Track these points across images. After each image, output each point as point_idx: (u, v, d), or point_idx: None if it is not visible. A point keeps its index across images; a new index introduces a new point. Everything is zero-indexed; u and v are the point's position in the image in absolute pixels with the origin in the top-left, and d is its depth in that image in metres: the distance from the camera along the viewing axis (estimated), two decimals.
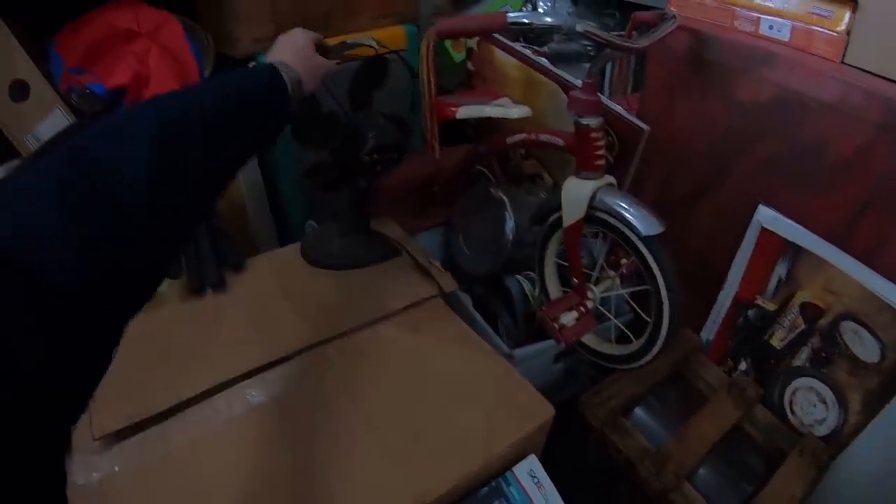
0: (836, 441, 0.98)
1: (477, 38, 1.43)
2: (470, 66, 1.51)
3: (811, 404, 1.02)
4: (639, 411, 1.05)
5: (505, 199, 1.14)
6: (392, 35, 1.35)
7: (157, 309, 0.93)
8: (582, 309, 0.98)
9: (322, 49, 0.85)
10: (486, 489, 0.81)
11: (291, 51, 0.78)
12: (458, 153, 1.28)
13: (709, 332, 1.15)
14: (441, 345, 0.93)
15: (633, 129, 1.07)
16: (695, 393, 1.08)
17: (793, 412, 1.04)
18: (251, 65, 0.77)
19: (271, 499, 0.71)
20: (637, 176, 1.12)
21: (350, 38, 0.97)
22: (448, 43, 1.52)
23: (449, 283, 1.01)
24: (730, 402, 1.03)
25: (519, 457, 0.82)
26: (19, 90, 1.09)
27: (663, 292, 0.90)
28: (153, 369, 0.82)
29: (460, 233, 1.26)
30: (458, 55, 1.53)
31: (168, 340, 0.87)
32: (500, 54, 1.36)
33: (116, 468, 0.75)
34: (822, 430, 1.00)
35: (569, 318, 0.96)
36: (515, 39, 1.39)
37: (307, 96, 0.78)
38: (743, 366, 1.11)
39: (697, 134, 1.10)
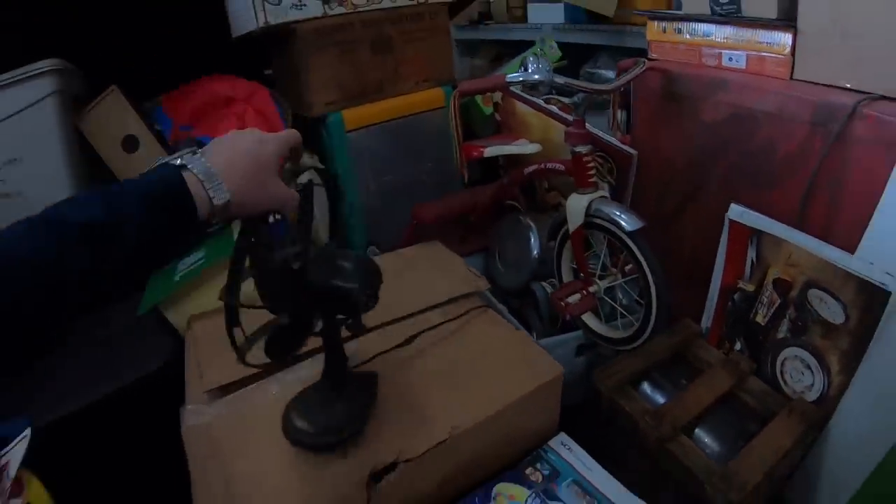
0: (826, 405, 1.10)
1: (501, 94, 1.70)
2: (497, 117, 1.78)
3: (799, 372, 1.14)
4: (644, 386, 1.21)
5: (532, 224, 1.40)
6: (433, 96, 1.62)
7: None
8: (584, 292, 1.21)
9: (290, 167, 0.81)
10: (528, 458, 1.02)
11: (227, 156, 0.67)
12: (489, 188, 1.54)
13: (706, 320, 1.32)
14: (476, 324, 1.15)
15: (624, 154, 1.32)
16: (694, 370, 1.24)
17: (785, 382, 1.17)
18: (161, 161, 0.68)
19: None
20: (635, 196, 1.35)
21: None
22: (479, 99, 1.78)
23: (483, 283, 1.23)
24: (724, 372, 1.18)
25: (535, 407, 1.03)
26: (131, 143, 1.35)
27: (649, 277, 1.13)
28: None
29: (496, 254, 1.52)
30: (487, 109, 1.79)
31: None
32: (520, 105, 1.63)
33: (220, 414, 0.95)
34: (812, 396, 1.12)
35: (574, 299, 1.19)
36: (549, 93, 1.61)
37: (250, 227, 0.70)
38: (738, 346, 1.26)
39: (677, 154, 1.31)
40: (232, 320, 0.74)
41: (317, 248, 0.89)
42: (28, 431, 0.91)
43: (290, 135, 0.76)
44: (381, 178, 1.62)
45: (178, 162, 0.65)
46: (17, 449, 0.91)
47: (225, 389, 1.02)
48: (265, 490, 0.85)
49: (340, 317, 0.86)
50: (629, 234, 1.13)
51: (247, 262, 0.73)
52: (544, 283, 1.38)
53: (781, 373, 1.18)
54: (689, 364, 1.27)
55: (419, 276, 1.23)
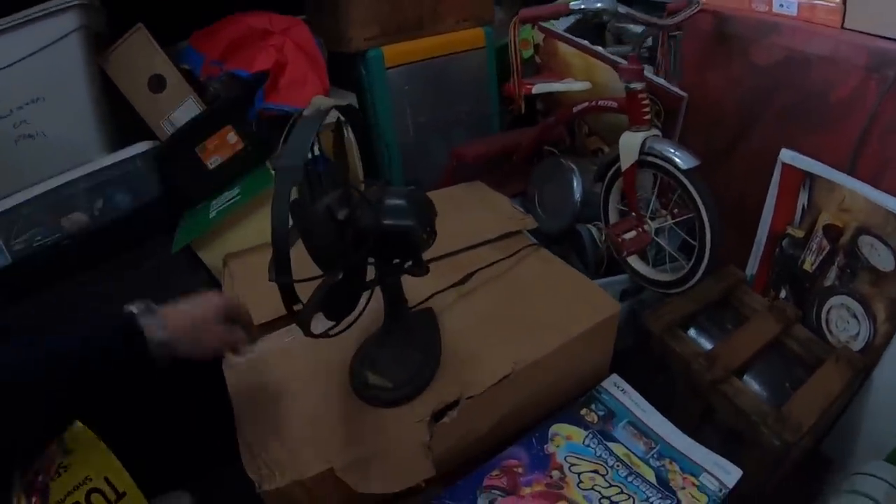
0: (870, 354, 1.09)
1: (543, 36, 1.66)
2: (537, 59, 1.74)
3: (844, 321, 1.13)
4: (692, 330, 1.20)
5: (574, 166, 1.37)
6: (472, 36, 1.57)
7: None
8: (640, 229, 1.18)
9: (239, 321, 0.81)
10: (582, 399, 1.01)
11: (184, 320, 0.74)
12: (533, 129, 1.51)
13: (751, 267, 1.30)
14: (528, 261, 1.13)
15: (674, 97, 1.28)
16: (740, 316, 1.22)
17: (830, 331, 1.16)
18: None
19: None
20: (682, 139, 1.32)
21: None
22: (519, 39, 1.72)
23: (530, 222, 1.21)
24: (772, 318, 1.17)
25: (592, 345, 1.01)
26: (157, 83, 1.31)
27: (704, 216, 1.10)
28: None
29: (535, 199, 1.49)
30: (527, 52, 1.74)
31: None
32: (562, 47, 1.59)
33: (264, 352, 0.93)
34: (857, 345, 1.11)
35: (630, 235, 1.17)
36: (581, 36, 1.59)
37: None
38: (783, 294, 1.25)
39: (726, 96, 1.28)
40: (291, 299, 0.68)
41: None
42: None
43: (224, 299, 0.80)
44: (419, 118, 1.58)
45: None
46: None
47: (267, 327, 0.98)
48: (321, 430, 0.83)
49: (396, 261, 0.81)
50: (684, 171, 1.10)
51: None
52: (590, 226, 1.35)
53: (827, 321, 1.17)
54: (734, 310, 1.25)
55: (465, 214, 1.21)
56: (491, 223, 1.20)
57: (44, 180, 1.22)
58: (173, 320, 0.72)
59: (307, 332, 0.71)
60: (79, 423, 0.86)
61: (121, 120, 1.35)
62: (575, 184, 1.36)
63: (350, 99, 1.47)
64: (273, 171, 1.29)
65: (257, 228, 1.23)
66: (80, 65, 1.22)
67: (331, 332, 0.76)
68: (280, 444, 0.80)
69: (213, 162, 1.34)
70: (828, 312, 1.16)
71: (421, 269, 0.80)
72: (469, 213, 1.21)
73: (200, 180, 1.35)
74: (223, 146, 1.34)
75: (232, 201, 1.25)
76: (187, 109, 1.35)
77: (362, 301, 0.80)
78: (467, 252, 1.13)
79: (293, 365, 0.92)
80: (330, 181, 0.72)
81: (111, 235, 1.29)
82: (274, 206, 0.62)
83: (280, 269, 0.64)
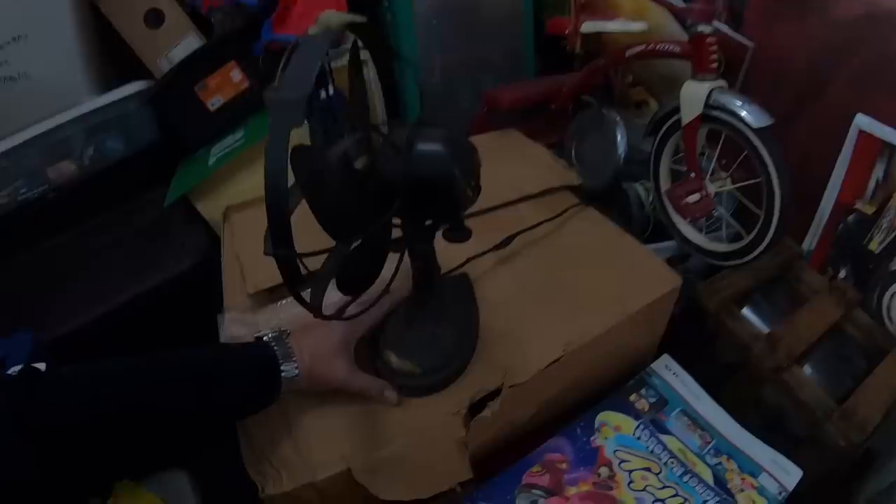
0: None
1: None
2: None
3: None
4: (746, 308, 1.09)
5: (618, 118, 1.23)
6: None
7: None
8: (703, 192, 1.05)
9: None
10: (631, 381, 0.90)
11: (312, 350, 0.67)
12: (576, 74, 1.36)
13: (810, 242, 1.19)
14: (575, 222, 1.00)
15: (738, 46, 1.14)
16: (797, 295, 1.12)
17: (890, 319, 1.06)
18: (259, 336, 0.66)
19: None
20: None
21: None
22: None
23: (574, 176, 1.09)
24: (832, 301, 1.06)
25: (648, 322, 0.89)
26: (154, 18, 1.20)
27: (775, 182, 0.97)
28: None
29: (573, 152, 1.36)
30: None
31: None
32: None
33: (269, 322, 0.81)
34: None
35: (692, 198, 1.04)
36: None
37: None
38: (842, 273, 1.15)
39: (796, 51, 1.15)
40: (294, 279, 0.52)
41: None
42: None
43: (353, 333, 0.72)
44: (447, 58, 1.44)
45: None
46: None
47: (273, 293, 0.86)
48: (335, 424, 0.70)
49: (429, 222, 0.65)
50: (756, 130, 0.97)
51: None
52: (637, 185, 1.22)
53: (889, 308, 1.07)
54: (790, 288, 1.14)
55: (502, 166, 1.06)
56: (531, 177, 1.07)
57: (28, 127, 1.13)
58: (306, 354, 0.66)
59: (318, 315, 0.56)
60: None
61: (115, 59, 1.25)
62: (619, 137, 1.22)
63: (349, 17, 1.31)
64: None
65: (262, 177, 1.09)
66: None
67: (345, 315, 0.62)
68: (287, 439, 0.68)
69: (214, 103, 1.22)
70: (891, 298, 1.06)
71: (462, 232, 0.64)
72: (505, 165, 1.07)
73: (200, 124, 1.23)
74: (226, 85, 1.21)
75: (234, 146, 1.12)
76: (188, 46, 1.24)
77: (387, 271, 0.66)
78: (505, 209, 1.01)
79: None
80: (346, 125, 0.56)
81: (102, 186, 1.21)
82: (268, 154, 0.46)
83: (279, 238, 0.49)
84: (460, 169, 0.58)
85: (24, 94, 1.12)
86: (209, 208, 1.14)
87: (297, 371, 0.63)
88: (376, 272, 0.63)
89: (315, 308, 0.55)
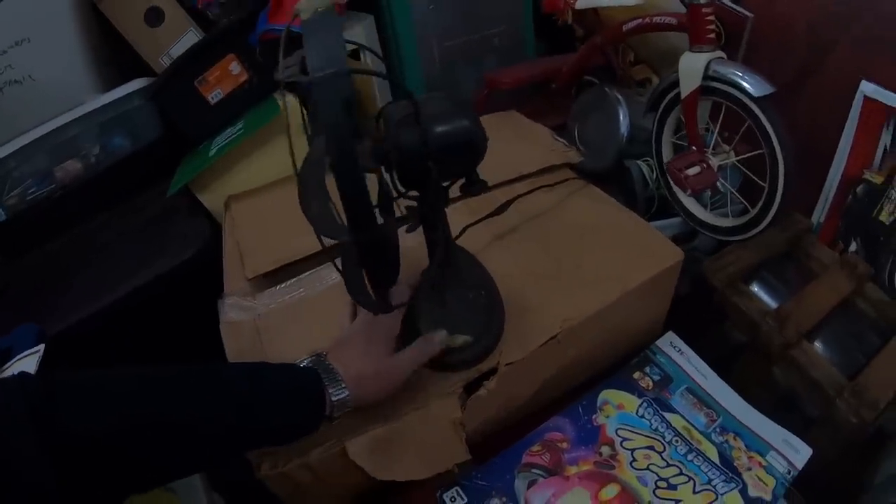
0: None
1: None
2: None
3: None
4: (754, 284, 1.07)
5: (619, 96, 1.21)
6: None
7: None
8: (704, 164, 1.04)
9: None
10: (636, 359, 0.89)
11: (354, 355, 0.64)
12: (575, 54, 1.35)
13: (818, 215, 1.16)
14: (575, 198, 0.99)
15: (737, 17, 1.12)
16: (806, 270, 1.10)
17: None
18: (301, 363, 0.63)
19: None
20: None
21: None
22: None
23: (575, 155, 1.08)
24: (842, 275, 1.04)
25: (650, 298, 0.88)
26: (154, 16, 1.21)
27: (778, 152, 0.95)
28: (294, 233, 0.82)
29: (576, 132, 1.34)
30: None
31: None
32: None
33: (267, 307, 0.83)
34: None
35: (693, 171, 1.02)
36: None
37: None
38: (853, 247, 1.12)
39: (797, 19, 1.12)
40: (381, 263, 0.54)
41: None
42: (41, 347, 0.81)
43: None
44: (445, 44, 1.42)
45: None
46: (27, 362, 0.80)
47: (271, 278, 0.87)
48: None
49: (446, 183, 0.65)
50: (756, 100, 0.94)
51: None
52: (640, 162, 1.20)
53: None
54: (799, 263, 1.12)
55: (503, 145, 1.05)
56: (530, 155, 1.06)
57: (35, 128, 1.15)
58: (351, 369, 0.62)
59: (385, 309, 0.61)
60: None
61: (118, 59, 1.27)
62: (621, 116, 1.20)
63: (368, 22, 1.30)
64: (278, 98, 1.16)
65: (262, 167, 1.13)
66: (68, 1, 1.15)
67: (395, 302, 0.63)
68: None
69: (214, 96, 1.22)
70: None
71: (480, 184, 0.65)
72: (505, 145, 1.05)
73: (202, 117, 1.23)
74: (226, 78, 1.21)
75: (233, 137, 1.12)
76: (188, 42, 1.25)
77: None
78: (503, 187, 1.00)
79: (301, 326, 0.80)
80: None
81: (109, 183, 1.22)
82: (329, 129, 0.46)
83: (361, 220, 0.49)
84: (472, 120, 0.60)
85: (30, 97, 1.15)
86: (211, 198, 1.16)
87: (346, 393, 0.60)
88: (398, 258, 0.66)
89: (385, 304, 0.59)
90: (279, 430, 0.58)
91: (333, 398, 0.59)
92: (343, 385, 0.60)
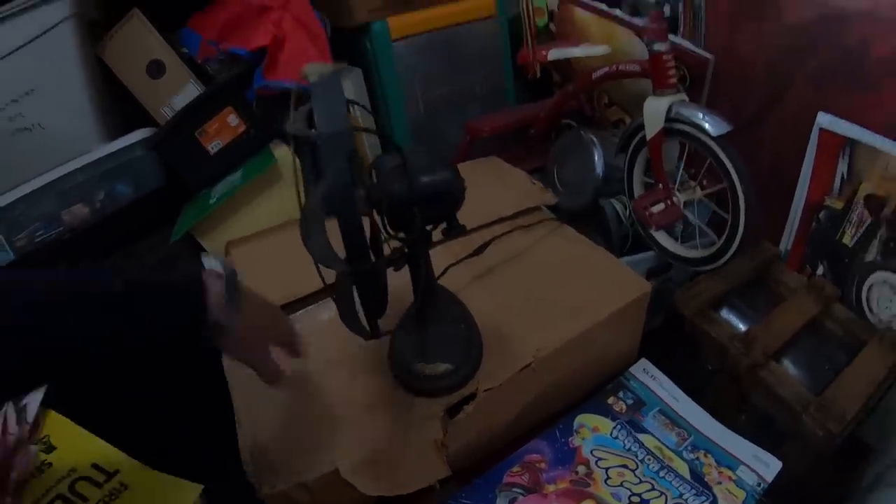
0: None
1: (558, 2, 1.57)
2: (553, 27, 1.63)
3: (887, 299, 1.06)
4: (724, 311, 1.12)
5: (594, 138, 1.29)
6: (481, 4, 1.48)
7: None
8: (668, 202, 1.10)
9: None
10: (610, 385, 0.94)
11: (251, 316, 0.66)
12: (550, 100, 1.43)
13: (786, 242, 1.22)
14: (549, 238, 1.06)
15: (699, 59, 1.20)
16: (775, 295, 1.14)
17: (871, 310, 1.09)
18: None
19: None
20: (709, 106, 1.23)
21: None
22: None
23: (550, 197, 1.14)
24: (809, 298, 1.09)
25: (620, 328, 0.94)
26: (156, 69, 1.27)
27: (738, 186, 1.02)
28: (290, 274, 0.88)
29: (555, 174, 1.41)
30: (542, 20, 1.64)
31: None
32: (579, 13, 1.50)
33: None
34: None
35: (658, 208, 1.09)
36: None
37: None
38: (820, 270, 1.17)
39: (756, 58, 1.19)
40: (372, 294, 0.63)
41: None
42: None
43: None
44: (429, 94, 1.50)
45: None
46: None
47: None
48: (325, 428, 0.76)
49: (429, 227, 0.73)
50: (715, 138, 1.02)
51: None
52: (613, 200, 1.27)
53: (867, 300, 1.10)
54: (768, 289, 1.17)
55: (481, 190, 1.12)
56: (507, 199, 1.13)
57: (43, 173, 1.20)
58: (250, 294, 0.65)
59: (375, 335, 0.68)
60: (59, 416, 0.85)
61: (121, 108, 1.32)
62: (596, 157, 1.28)
63: (355, 74, 1.39)
64: (274, 149, 1.23)
65: (259, 214, 1.20)
66: (74, 54, 1.19)
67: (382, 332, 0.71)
68: (281, 442, 0.74)
69: (214, 146, 1.28)
70: (868, 290, 1.09)
71: (459, 228, 0.73)
72: (486, 190, 1.14)
73: (202, 166, 1.29)
74: (224, 129, 1.28)
75: (233, 185, 1.19)
76: (188, 94, 1.31)
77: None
78: (482, 230, 1.06)
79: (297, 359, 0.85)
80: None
81: (113, 227, 1.26)
82: (332, 177, 0.54)
83: (358, 251, 0.58)
84: (451, 171, 0.69)
85: (39, 144, 1.19)
86: (212, 243, 1.22)
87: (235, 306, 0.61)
88: (386, 292, 0.73)
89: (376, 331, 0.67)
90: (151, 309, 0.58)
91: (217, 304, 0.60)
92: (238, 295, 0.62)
